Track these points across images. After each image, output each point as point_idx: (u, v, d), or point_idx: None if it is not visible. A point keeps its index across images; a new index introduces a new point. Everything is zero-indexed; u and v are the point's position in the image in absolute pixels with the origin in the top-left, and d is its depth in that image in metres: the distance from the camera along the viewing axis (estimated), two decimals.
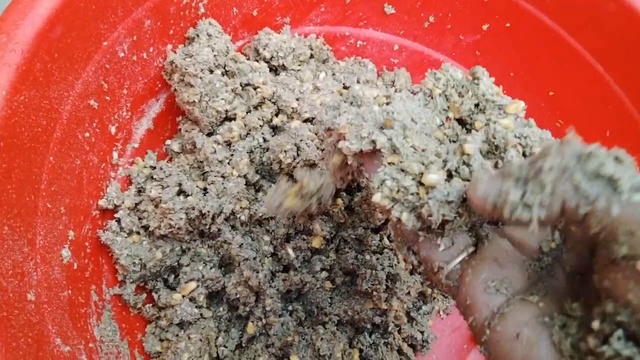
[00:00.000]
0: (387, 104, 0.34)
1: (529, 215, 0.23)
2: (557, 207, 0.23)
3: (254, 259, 0.51)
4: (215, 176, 0.52)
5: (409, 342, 0.57)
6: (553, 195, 0.23)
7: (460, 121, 0.35)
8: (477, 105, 0.35)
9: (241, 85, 0.55)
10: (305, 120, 0.55)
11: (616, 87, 0.59)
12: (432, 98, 0.35)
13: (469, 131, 0.35)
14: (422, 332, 0.57)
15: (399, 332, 0.56)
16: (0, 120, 0.34)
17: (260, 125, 0.55)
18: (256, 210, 0.52)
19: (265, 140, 0.55)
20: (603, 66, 0.59)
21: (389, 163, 0.31)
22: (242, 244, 0.51)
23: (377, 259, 0.53)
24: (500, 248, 0.30)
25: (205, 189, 0.52)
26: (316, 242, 0.53)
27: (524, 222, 0.24)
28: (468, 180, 0.30)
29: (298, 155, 0.52)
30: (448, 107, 0.35)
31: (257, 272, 0.51)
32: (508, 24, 0.63)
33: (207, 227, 0.51)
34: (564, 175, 0.23)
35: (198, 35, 0.53)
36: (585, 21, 0.58)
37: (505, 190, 0.24)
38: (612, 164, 0.22)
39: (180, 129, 0.57)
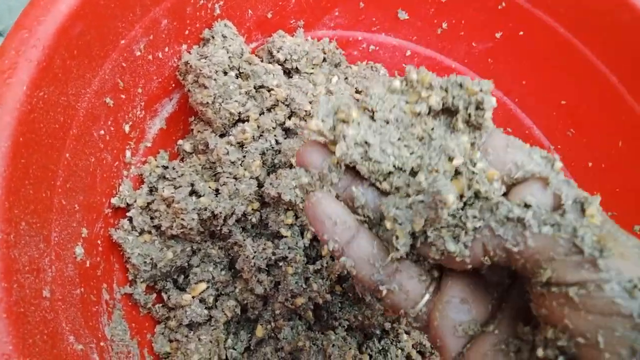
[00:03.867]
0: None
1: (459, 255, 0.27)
2: (479, 249, 0.27)
3: (259, 269, 0.51)
4: (227, 177, 0.52)
5: (418, 349, 0.57)
6: (474, 240, 0.27)
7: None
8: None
9: (255, 87, 0.55)
10: None
11: (629, 97, 0.59)
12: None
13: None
14: None
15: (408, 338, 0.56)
16: (21, 116, 0.34)
17: (273, 128, 0.55)
18: (267, 215, 0.52)
19: (277, 142, 0.55)
20: (616, 76, 0.59)
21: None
22: (255, 252, 0.50)
23: None
24: (467, 282, 0.30)
25: (217, 190, 0.52)
26: (325, 251, 0.53)
27: (456, 263, 0.28)
28: None
29: None
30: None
31: (262, 282, 0.50)
32: (521, 32, 0.63)
33: (219, 228, 0.51)
34: (483, 224, 0.26)
35: (213, 37, 0.53)
36: (598, 31, 0.58)
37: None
38: (518, 209, 0.25)
39: (192, 129, 0.57)
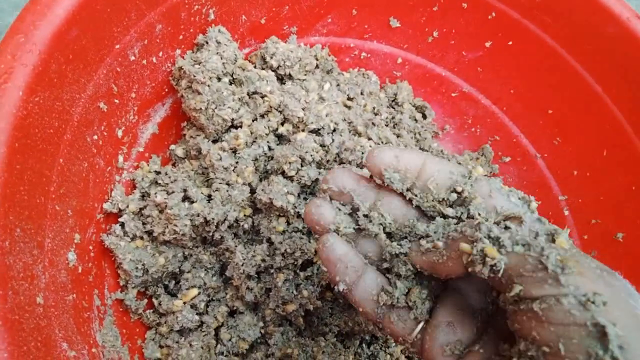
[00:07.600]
0: None
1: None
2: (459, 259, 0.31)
3: (249, 277, 0.51)
4: (220, 183, 0.52)
5: (406, 354, 0.57)
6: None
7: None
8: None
9: (248, 93, 0.55)
10: (311, 131, 0.55)
11: (614, 107, 0.60)
12: None
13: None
14: None
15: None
16: (16, 121, 0.33)
17: (266, 134, 0.55)
18: (259, 222, 0.52)
19: (270, 148, 0.55)
20: (601, 87, 0.61)
21: None
22: (244, 259, 0.50)
23: None
24: (453, 308, 0.34)
25: (209, 196, 0.52)
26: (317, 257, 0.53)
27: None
28: None
29: (302, 167, 0.52)
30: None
31: (252, 290, 0.51)
32: (510, 42, 0.64)
33: (211, 234, 0.51)
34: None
35: (207, 42, 0.54)
36: (585, 42, 0.60)
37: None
38: (496, 229, 0.29)
39: (185, 135, 0.57)
